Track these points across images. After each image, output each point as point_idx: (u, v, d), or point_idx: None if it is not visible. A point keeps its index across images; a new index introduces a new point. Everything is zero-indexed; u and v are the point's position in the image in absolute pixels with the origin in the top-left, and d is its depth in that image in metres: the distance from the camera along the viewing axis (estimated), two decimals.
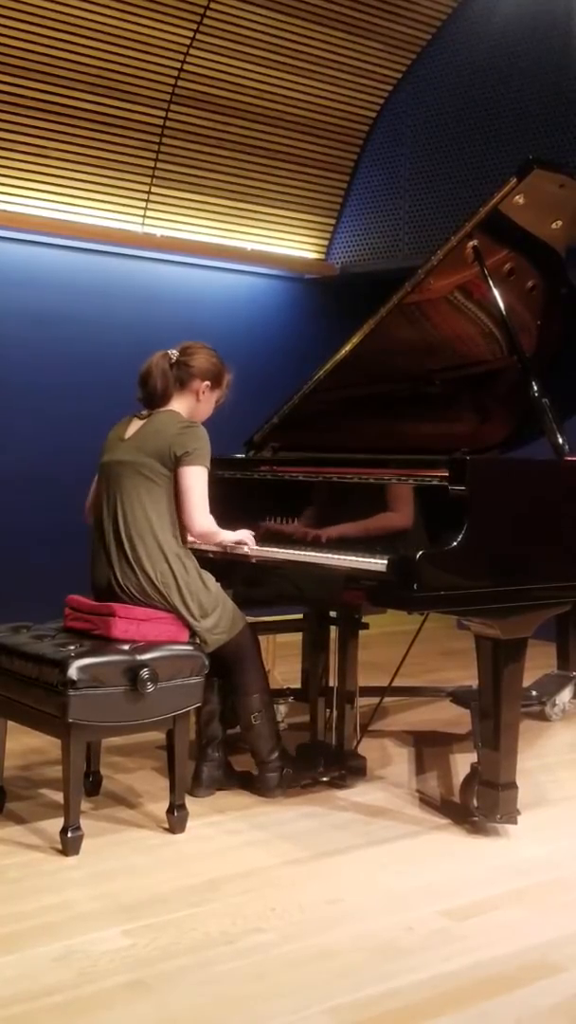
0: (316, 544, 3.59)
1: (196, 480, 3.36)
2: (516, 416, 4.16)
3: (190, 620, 3.37)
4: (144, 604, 3.34)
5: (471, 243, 3.69)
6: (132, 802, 3.59)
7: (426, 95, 6.73)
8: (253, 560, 3.58)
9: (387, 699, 4.28)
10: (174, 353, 3.51)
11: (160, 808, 3.41)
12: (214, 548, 3.64)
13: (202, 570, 3.45)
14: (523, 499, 3.32)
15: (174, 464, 3.35)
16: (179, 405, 3.51)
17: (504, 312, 3.76)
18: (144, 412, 3.51)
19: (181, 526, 3.42)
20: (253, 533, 3.61)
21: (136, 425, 3.48)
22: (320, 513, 3.63)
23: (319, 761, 3.73)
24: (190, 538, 3.48)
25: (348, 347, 3.90)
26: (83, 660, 3.09)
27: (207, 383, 3.54)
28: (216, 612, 3.42)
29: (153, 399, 3.48)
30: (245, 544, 3.56)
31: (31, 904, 2.79)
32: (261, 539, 3.65)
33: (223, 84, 6.22)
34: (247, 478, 4.05)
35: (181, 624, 3.37)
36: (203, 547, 3.74)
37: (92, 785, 3.62)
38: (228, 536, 3.54)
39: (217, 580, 3.49)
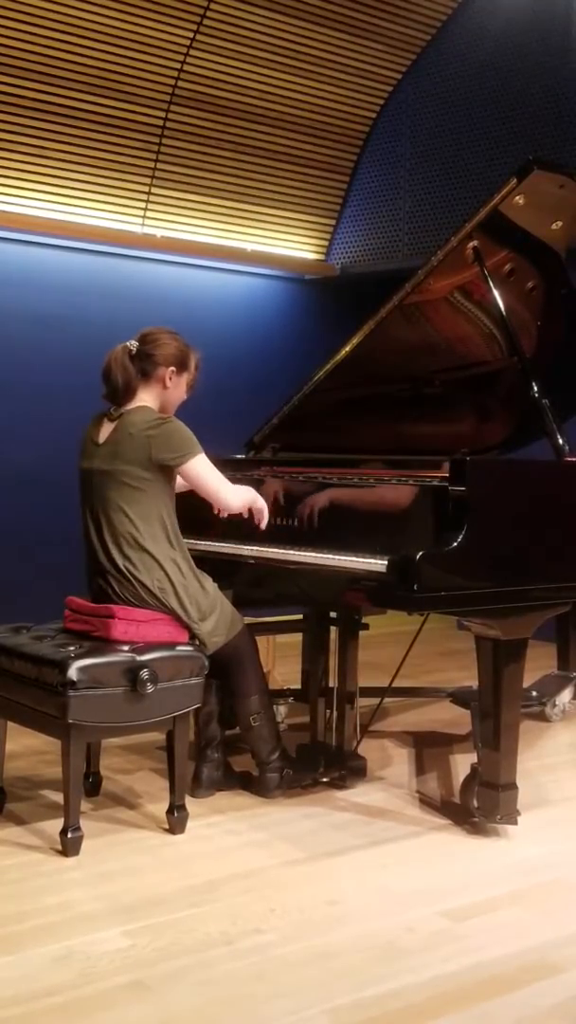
0: (316, 545, 3.58)
1: (201, 472, 3.33)
2: (516, 417, 4.16)
3: (189, 623, 3.36)
4: (143, 607, 3.33)
5: (471, 244, 3.69)
6: (132, 803, 3.59)
7: (426, 96, 6.73)
8: (279, 565, 3.55)
9: (387, 700, 4.28)
10: (134, 344, 3.42)
11: (160, 809, 3.41)
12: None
13: (199, 572, 3.43)
14: (523, 500, 3.32)
15: (158, 468, 3.29)
16: (147, 397, 3.42)
17: (504, 313, 3.76)
18: (113, 411, 3.40)
19: (176, 528, 3.39)
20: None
21: (108, 427, 3.39)
22: (320, 514, 3.63)
23: (319, 762, 3.73)
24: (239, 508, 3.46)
25: (348, 348, 3.90)
26: (83, 661, 3.09)
27: (172, 368, 3.42)
28: (214, 615, 3.41)
29: (117, 395, 3.39)
30: (263, 514, 3.54)
31: (31, 905, 2.79)
32: (261, 540, 3.64)
33: (223, 85, 6.22)
34: (247, 479, 4.04)
35: (180, 625, 3.36)
36: (202, 548, 3.74)
37: (92, 786, 3.62)
38: (256, 498, 3.52)
39: (216, 581, 3.49)
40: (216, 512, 3.54)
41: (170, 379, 3.44)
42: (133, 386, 3.39)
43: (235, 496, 3.42)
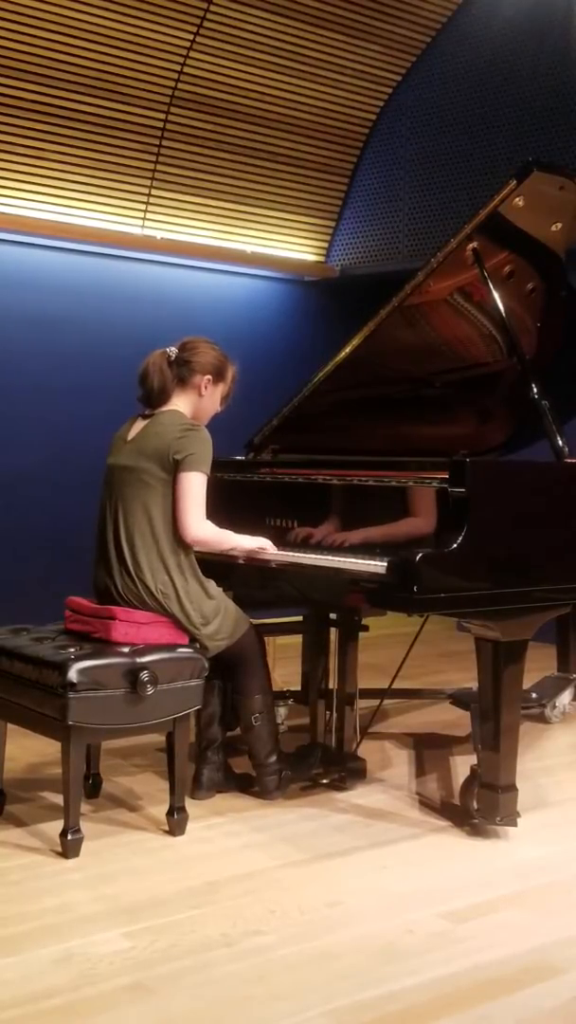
0: (316, 546, 3.59)
1: (191, 486, 3.30)
2: (516, 418, 4.17)
3: (190, 628, 3.36)
4: (144, 609, 3.33)
5: (471, 245, 3.70)
6: (132, 804, 3.59)
7: (426, 97, 6.73)
8: (273, 565, 3.53)
9: (387, 701, 4.28)
10: (173, 351, 3.45)
11: (160, 810, 3.41)
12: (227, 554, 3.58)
13: (203, 577, 3.42)
14: (523, 501, 3.32)
15: (173, 468, 3.30)
16: (181, 403, 3.46)
17: (504, 314, 3.76)
18: (147, 412, 3.45)
19: (175, 529, 3.36)
20: (270, 543, 3.54)
21: (139, 426, 3.43)
22: (319, 515, 3.63)
23: (318, 763, 3.73)
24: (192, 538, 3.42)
25: (348, 349, 3.90)
26: (83, 663, 3.09)
27: (208, 377, 3.46)
28: (218, 619, 3.41)
29: (151, 398, 3.43)
30: (265, 551, 3.52)
31: (31, 906, 2.79)
32: None
33: (223, 87, 6.23)
34: (247, 480, 4.05)
35: (181, 628, 3.36)
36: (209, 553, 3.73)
37: (92, 788, 3.62)
38: (242, 542, 3.49)
39: (218, 583, 3.48)
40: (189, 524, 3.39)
41: (206, 388, 3.47)
42: (169, 391, 3.43)
43: (200, 528, 3.33)
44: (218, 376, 3.50)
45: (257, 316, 6.96)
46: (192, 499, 3.31)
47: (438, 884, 3.00)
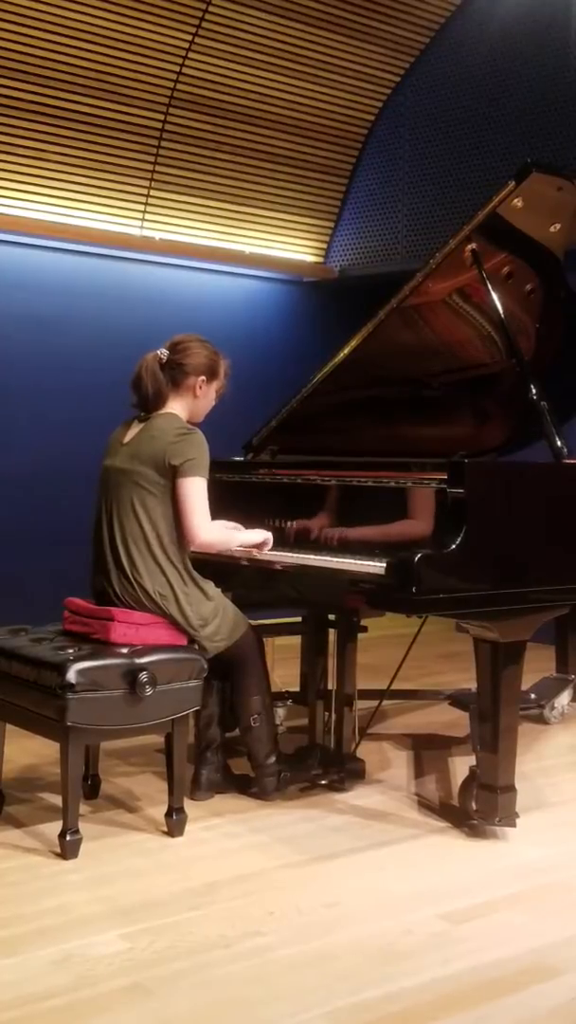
0: (315, 547, 3.59)
1: (193, 492, 3.29)
2: (515, 419, 4.16)
3: (189, 630, 3.36)
4: (142, 611, 3.33)
5: (469, 246, 3.70)
6: (131, 805, 3.59)
7: (425, 98, 6.74)
8: (277, 566, 3.54)
9: (386, 702, 4.27)
10: (164, 353, 3.43)
11: (159, 811, 3.41)
12: (231, 554, 3.57)
13: (201, 579, 3.42)
14: (522, 502, 3.32)
15: (170, 473, 3.29)
16: (177, 405, 3.45)
17: (503, 315, 3.76)
18: (143, 415, 3.45)
19: (181, 536, 3.36)
20: (270, 535, 3.54)
21: (135, 429, 3.42)
22: (318, 516, 3.63)
23: (317, 764, 3.73)
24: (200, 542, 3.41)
25: (347, 350, 3.90)
26: (82, 663, 3.09)
27: (202, 378, 3.45)
28: (216, 620, 3.41)
29: (147, 403, 3.41)
30: (264, 546, 3.51)
31: (30, 908, 2.79)
32: None
33: (222, 87, 6.23)
34: (245, 481, 4.05)
35: (179, 629, 3.36)
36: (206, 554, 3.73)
37: (91, 788, 3.61)
38: (245, 538, 3.49)
39: (217, 584, 3.48)
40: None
41: (200, 388, 3.46)
42: (164, 394, 3.41)
43: (207, 533, 3.32)
44: (211, 375, 3.48)
45: (256, 317, 6.96)
46: (195, 505, 3.30)
47: (437, 885, 3.00)
